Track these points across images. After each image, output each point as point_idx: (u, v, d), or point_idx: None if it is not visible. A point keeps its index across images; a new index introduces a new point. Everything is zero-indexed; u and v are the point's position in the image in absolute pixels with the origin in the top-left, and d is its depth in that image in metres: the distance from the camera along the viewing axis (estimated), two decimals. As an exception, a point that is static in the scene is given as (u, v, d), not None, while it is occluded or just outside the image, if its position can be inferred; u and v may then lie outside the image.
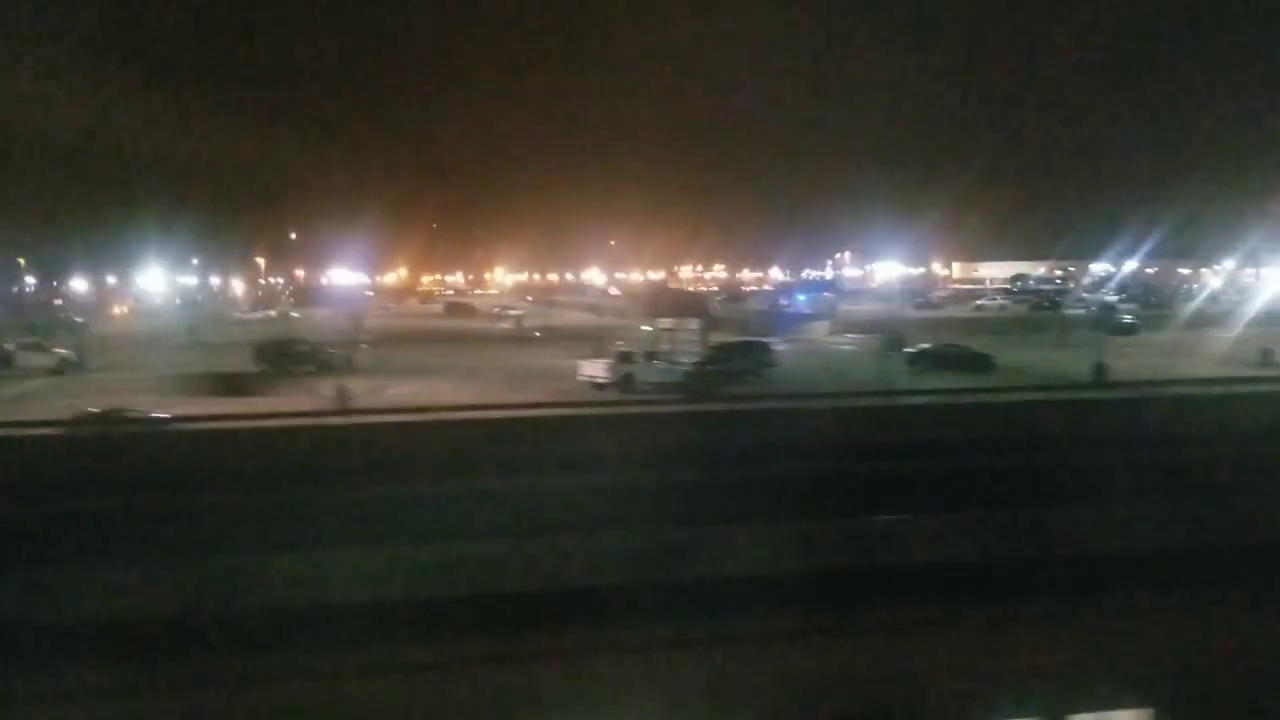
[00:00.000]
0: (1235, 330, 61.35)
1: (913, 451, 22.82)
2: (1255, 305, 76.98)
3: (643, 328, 41.57)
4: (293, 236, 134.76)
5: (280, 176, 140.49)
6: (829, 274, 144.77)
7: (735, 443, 23.97)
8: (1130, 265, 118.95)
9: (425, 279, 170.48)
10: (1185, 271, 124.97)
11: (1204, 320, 67.78)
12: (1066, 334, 55.47)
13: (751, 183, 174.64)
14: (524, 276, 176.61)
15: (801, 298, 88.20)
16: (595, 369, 34.01)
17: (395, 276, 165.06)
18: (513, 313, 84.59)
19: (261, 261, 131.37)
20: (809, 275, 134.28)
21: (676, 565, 17.12)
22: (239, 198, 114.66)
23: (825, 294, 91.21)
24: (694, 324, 41.22)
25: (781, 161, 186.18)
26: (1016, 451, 23.21)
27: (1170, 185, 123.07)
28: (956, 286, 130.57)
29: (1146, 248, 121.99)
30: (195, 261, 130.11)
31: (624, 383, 33.41)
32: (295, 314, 65.35)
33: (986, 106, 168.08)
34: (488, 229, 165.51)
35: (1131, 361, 42.48)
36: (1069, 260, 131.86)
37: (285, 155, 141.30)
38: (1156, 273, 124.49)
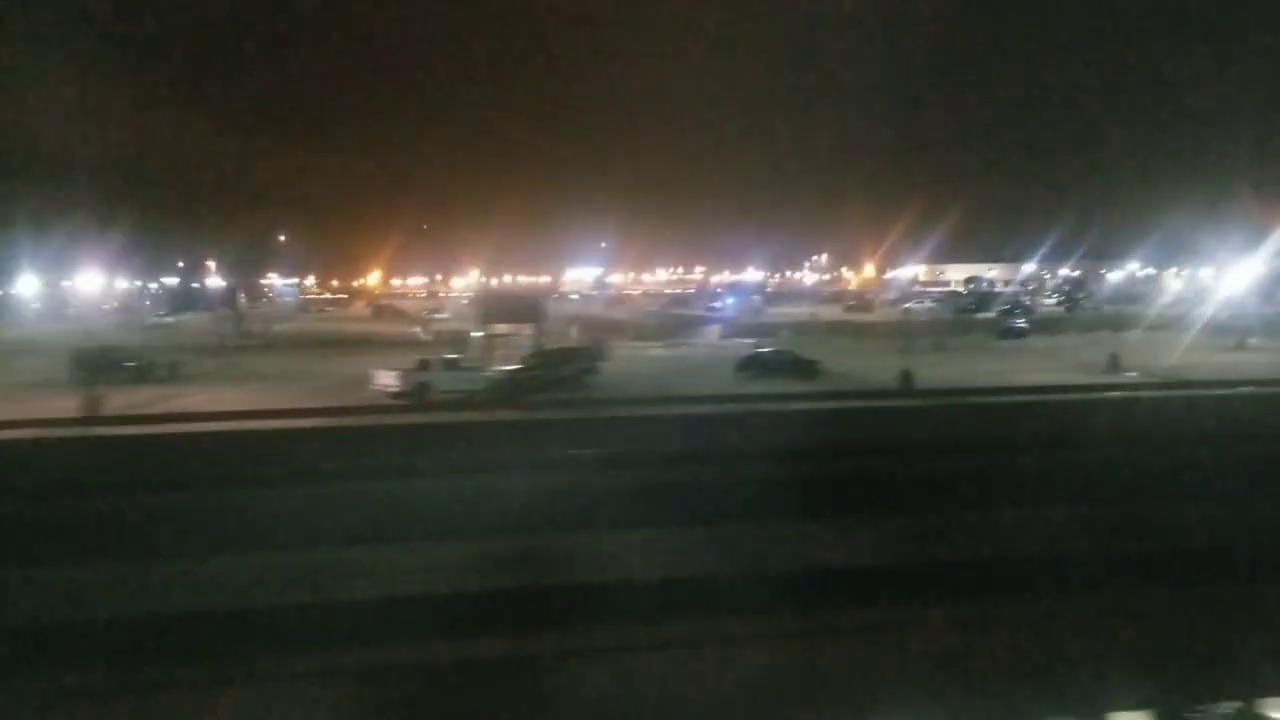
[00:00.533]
0: (1132, 333, 60.82)
1: (638, 463, 22.40)
2: (1177, 308, 76.44)
3: (473, 334, 41.16)
4: (281, 239, 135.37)
5: (245, 179, 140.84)
6: (774, 276, 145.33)
7: (469, 456, 23.54)
8: (1074, 267, 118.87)
9: (407, 282, 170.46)
10: (1141, 273, 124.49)
11: (1111, 323, 67.25)
12: (946, 339, 54.96)
13: (733, 187, 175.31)
14: (507, 279, 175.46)
15: (730, 300, 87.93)
16: (387, 378, 33.50)
17: (369, 280, 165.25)
18: (438, 316, 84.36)
19: (212, 264, 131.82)
20: (736, 279, 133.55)
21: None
22: (199, 200, 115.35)
23: (753, 297, 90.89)
24: (528, 329, 40.79)
25: (760, 166, 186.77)
26: (736, 462, 22.78)
27: (1138, 190, 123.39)
28: (918, 288, 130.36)
29: (1102, 250, 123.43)
30: (180, 264, 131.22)
31: (417, 392, 32.86)
32: (172, 319, 65.23)
33: (959, 110, 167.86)
34: (473, 232, 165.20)
35: (969, 368, 42.09)
36: (1031, 263, 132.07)
37: (249, 157, 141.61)
38: (1107, 275, 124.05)
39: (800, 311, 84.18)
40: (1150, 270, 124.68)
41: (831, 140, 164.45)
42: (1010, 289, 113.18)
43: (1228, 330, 57.47)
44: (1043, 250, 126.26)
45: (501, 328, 40.24)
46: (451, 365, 34.68)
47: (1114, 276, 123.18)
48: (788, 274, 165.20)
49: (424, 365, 34.15)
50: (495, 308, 43.03)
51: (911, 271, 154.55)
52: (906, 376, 34.98)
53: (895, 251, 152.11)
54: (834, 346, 52.63)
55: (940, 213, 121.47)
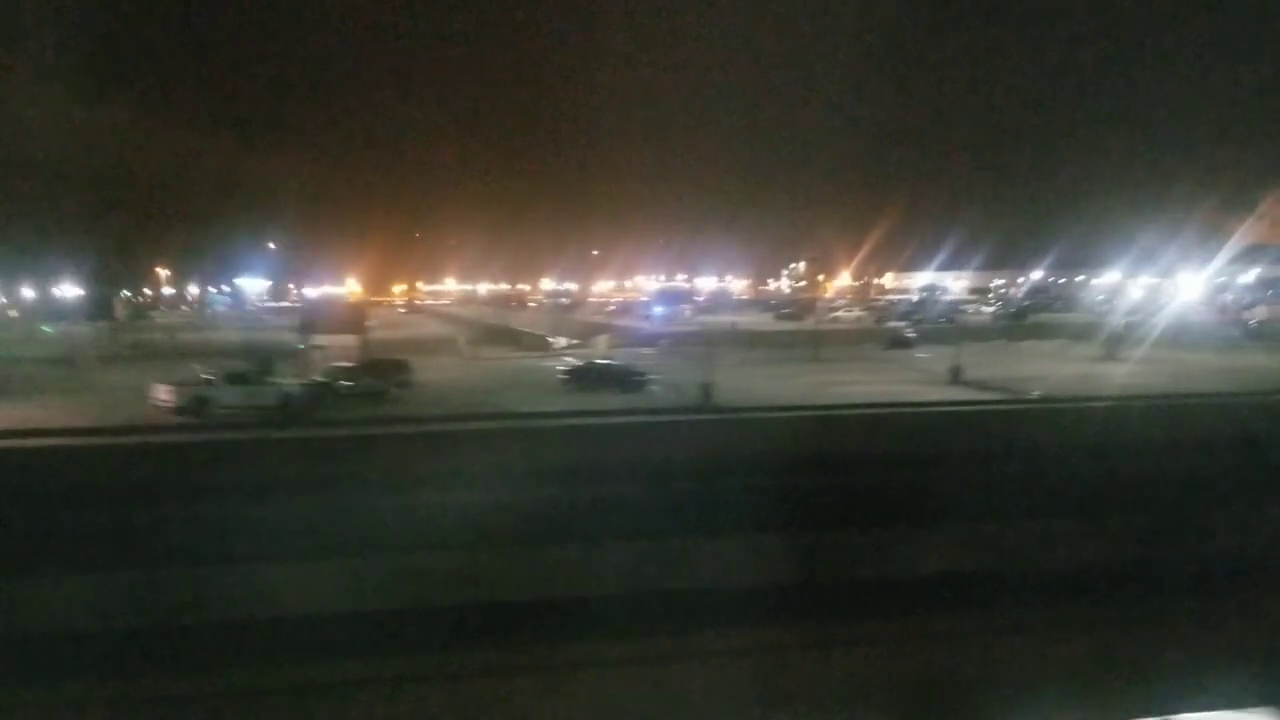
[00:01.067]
0: (1029, 343, 59.64)
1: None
2: (1103, 316, 75.15)
3: (296, 345, 40.17)
4: (271, 246, 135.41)
5: (199, 183, 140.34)
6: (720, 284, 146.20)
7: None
8: (1007, 276, 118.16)
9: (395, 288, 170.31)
10: (1098, 281, 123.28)
11: (1020, 332, 66.03)
12: (827, 349, 53.99)
13: (718, 196, 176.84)
14: (491, 286, 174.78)
15: (658, 309, 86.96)
16: (163, 392, 32.41)
17: (351, 287, 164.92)
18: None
19: (164, 272, 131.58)
20: (666, 287, 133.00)
21: None
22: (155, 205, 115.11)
23: (681, 306, 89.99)
24: (351, 340, 39.77)
25: (744, 174, 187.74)
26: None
27: (1109, 199, 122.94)
28: (877, 297, 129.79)
29: (1070, 258, 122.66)
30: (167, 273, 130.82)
31: (193, 408, 31.74)
32: (47, 328, 64.68)
33: (935, 121, 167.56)
34: (458, 240, 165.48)
35: (807, 380, 41.18)
36: (1000, 270, 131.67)
37: (205, 158, 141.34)
38: (1065, 283, 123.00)
39: (724, 320, 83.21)
40: (1110, 278, 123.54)
41: (811, 150, 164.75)
42: (957, 296, 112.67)
43: (1125, 340, 56.35)
44: (1013, 258, 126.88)
45: (323, 339, 39.06)
46: (237, 379, 33.51)
47: (1072, 283, 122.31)
48: (744, 280, 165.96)
49: (205, 379, 33.11)
50: (317, 319, 41.87)
51: (875, 279, 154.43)
52: (705, 391, 33.89)
53: (870, 260, 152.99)
54: (714, 357, 51.52)
55: (916, 222, 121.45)
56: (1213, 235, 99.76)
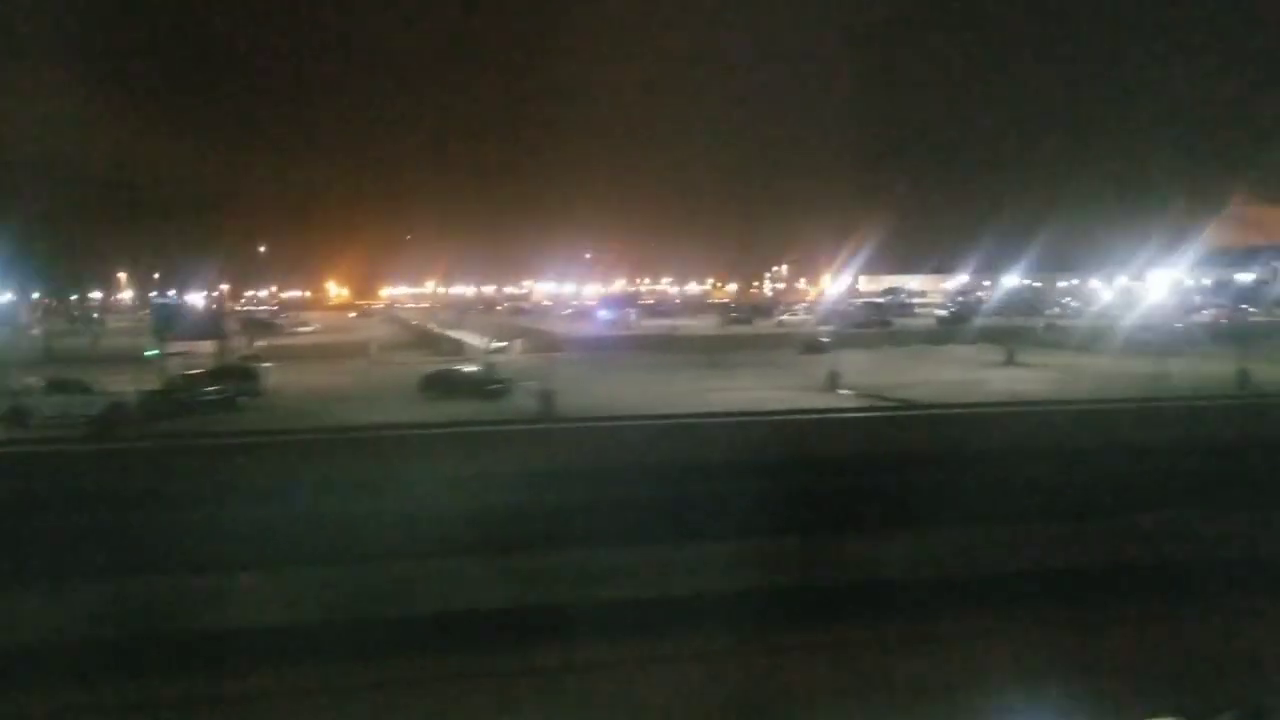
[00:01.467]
0: (946, 348, 58.30)
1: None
2: (1041, 319, 73.75)
3: (146, 352, 39.04)
4: (261, 249, 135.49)
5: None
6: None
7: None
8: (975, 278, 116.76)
9: (384, 292, 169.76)
10: (1063, 284, 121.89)
11: (951, 336, 64.54)
12: (733, 354, 52.86)
13: (705, 202, 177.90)
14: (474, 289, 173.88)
15: (604, 313, 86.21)
16: (-21, 403, 31.38)
17: (335, 291, 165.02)
18: (303, 330, 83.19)
19: (123, 276, 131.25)
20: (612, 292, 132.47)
21: None
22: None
23: (627, 310, 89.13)
24: (210, 345, 38.65)
25: (731, 181, 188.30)
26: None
27: (1085, 205, 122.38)
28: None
29: (1041, 261, 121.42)
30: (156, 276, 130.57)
31: (13, 417, 30.69)
32: None
33: (916, 126, 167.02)
34: (443, 243, 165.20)
35: (669, 388, 39.97)
36: (970, 273, 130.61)
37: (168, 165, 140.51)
38: (1032, 285, 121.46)
39: (666, 324, 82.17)
40: (1074, 280, 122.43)
41: (798, 153, 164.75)
42: (928, 300, 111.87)
43: (1037, 343, 55.11)
44: (994, 261, 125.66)
45: (180, 345, 37.94)
46: (60, 387, 32.47)
47: (1039, 286, 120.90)
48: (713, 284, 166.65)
49: (25, 388, 32.06)
50: (174, 324, 40.74)
51: (847, 283, 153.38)
52: (546, 400, 32.65)
53: (849, 262, 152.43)
54: (615, 361, 50.59)
55: (901, 225, 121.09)
56: (1183, 238, 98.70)
